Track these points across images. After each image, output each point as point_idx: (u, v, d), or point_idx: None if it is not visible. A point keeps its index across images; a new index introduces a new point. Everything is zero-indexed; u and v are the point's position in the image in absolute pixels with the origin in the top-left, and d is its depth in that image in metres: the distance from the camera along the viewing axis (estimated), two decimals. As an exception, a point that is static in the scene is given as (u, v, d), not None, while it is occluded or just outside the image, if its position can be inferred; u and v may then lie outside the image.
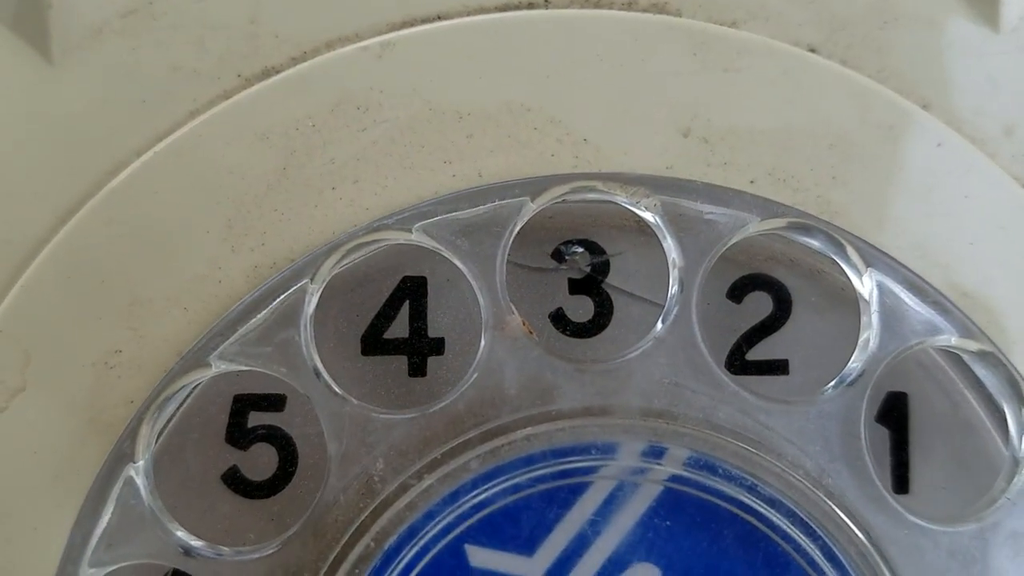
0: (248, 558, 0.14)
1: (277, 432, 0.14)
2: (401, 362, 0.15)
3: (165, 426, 0.15)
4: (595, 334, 0.16)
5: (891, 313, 0.14)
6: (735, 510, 0.13)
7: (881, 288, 0.14)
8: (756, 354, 0.15)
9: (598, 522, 0.13)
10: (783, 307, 0.15)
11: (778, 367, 0.15)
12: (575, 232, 0.15)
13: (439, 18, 0.16)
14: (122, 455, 0.14)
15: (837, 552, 0.13)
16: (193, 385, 0.15)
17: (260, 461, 0.15)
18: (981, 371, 0.15)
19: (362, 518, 0.13)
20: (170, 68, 0.15)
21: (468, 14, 0.16)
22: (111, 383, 0.14)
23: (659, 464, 0.13)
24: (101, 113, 0.16)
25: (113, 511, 0.13)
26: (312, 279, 0.14)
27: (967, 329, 0.15)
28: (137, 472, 0.14)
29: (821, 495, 0.13)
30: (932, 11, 0.18)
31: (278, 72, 0.15)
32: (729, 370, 0.15)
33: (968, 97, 0.16)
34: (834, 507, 0.13)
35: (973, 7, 0.17)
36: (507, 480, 0.13)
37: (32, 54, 0.16)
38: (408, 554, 0.14)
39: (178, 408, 0.15)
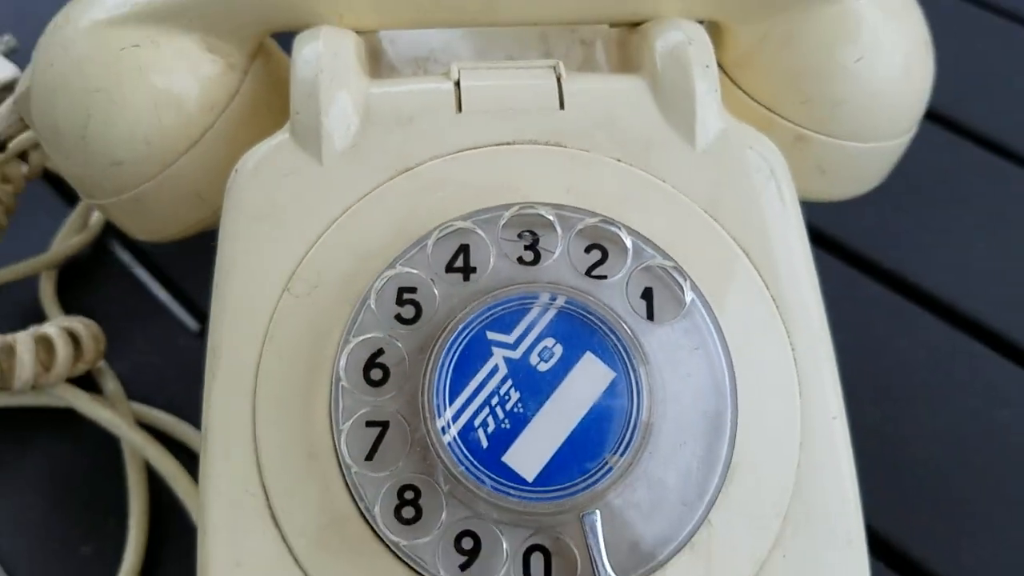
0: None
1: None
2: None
3: None
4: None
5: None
6: (589, 316, 0.27)
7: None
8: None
9: (536, 321, 0.27)
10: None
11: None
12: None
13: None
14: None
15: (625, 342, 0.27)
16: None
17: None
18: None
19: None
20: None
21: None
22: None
23: (556, 300, 0.27)
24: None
25: None
26: None
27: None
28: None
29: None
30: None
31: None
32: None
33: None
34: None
35: (674, 129, 0.29)
36: (502, 304, 0.27)
37: (308, 158, 0.29)
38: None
39: None
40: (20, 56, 0.56)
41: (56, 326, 0.37)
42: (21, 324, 0.37)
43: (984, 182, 0.52)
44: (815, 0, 0.32)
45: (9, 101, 0.38)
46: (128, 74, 0.32)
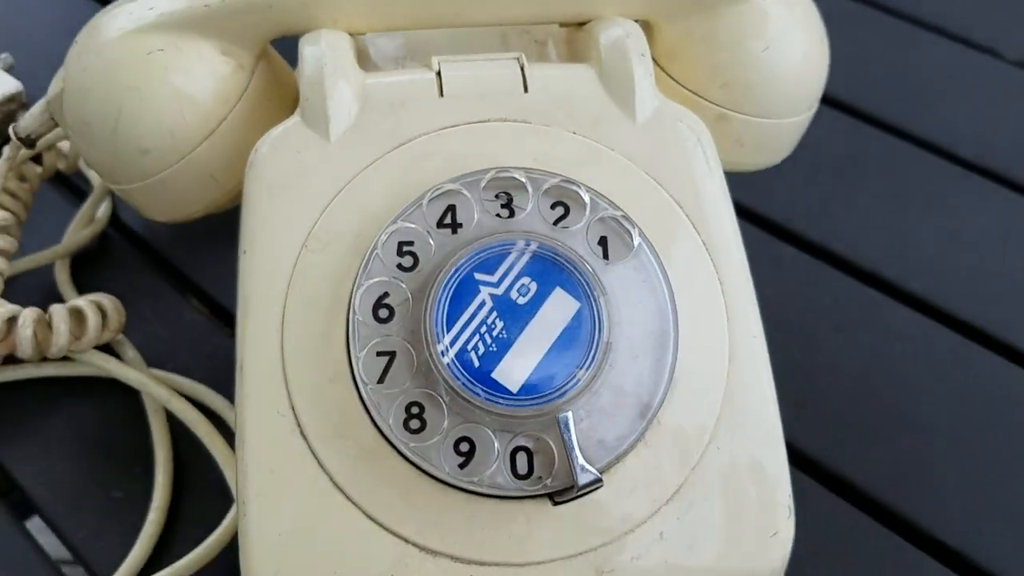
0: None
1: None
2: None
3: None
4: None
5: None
6: (557, 258, 0.32)
7: None
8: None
9: (515, 263, 0.32)
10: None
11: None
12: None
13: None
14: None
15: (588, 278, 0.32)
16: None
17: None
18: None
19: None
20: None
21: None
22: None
23: (530, 246, 0.35)
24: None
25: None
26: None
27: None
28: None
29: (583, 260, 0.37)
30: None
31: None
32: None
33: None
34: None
35: (618, 107, 0.34)
36: (485, 251, 0.32)
37: (317, 137, 0.33)
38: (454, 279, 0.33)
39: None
40: (16, 72, 0.61)
41: (85, 299, 0.43)
42: (40, 306, 0.42)
43: (880, 158, 0.60)
44: (728, 1, 0.37)
45: (42, 102, 0.43)
46: (155, 74, 0.36)
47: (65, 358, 0.41)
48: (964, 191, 0.50)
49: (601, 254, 0.33)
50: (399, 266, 0.33)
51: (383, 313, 0.35)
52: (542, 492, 0.32)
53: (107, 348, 0.47)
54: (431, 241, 0.32)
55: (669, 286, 0.33)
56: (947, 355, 0.43)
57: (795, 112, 0.40)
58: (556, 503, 0.34)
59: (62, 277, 0.46)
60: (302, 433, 0.34)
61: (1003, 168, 0.50)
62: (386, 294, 0.33)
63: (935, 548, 0.36)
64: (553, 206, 0.33)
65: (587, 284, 0.32)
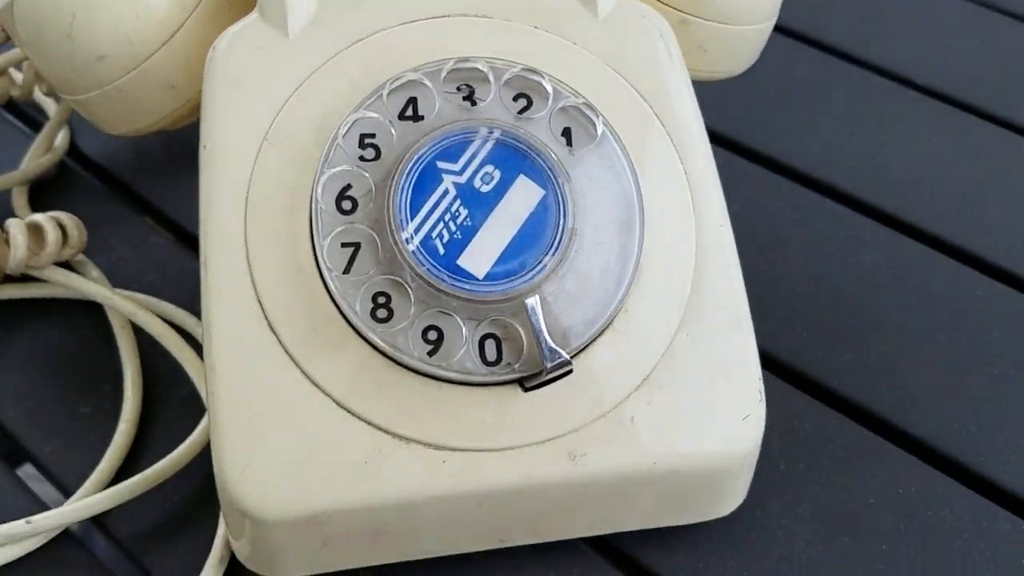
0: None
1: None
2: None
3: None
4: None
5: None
6: (520, 145, 0.33)
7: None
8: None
9: (477, 152, 0.33)
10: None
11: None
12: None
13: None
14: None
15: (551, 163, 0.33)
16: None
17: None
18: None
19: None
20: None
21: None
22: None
23: (493, 133, 0.36)
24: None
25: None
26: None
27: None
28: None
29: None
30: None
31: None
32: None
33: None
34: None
35: (579, 1, 0.35)
36: (447, 138, 0.33)
37: (276, 33, 0.33)
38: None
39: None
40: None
41: (44, 216, 0.42)
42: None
43: (842, 85, 0.60)
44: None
45: (-9, 13, 0.42)
46: (109, -24, 0.36)
47: (27, 277, 0.41)
48: (921, 113, 0.52)
49: (565, 143, 0.32)
50: (361, 158, 0.33)
51: (346, 205, 0.35)
52: (512, 378, 0.32)
53: (70, 268, 0.46)
54: (392, 132, 0.32)
55: (634, 173, 0.33)
56: (909, 262, 0.44)
57: (756, 19, 0.40)
58: (526, 389, 0.34)
59: (19, 202, 0.46)
60: (270, 325, 0.34)
61: (956, 92, 0.52)
62: (349, 186, 0.33)
63: (903, 439, 0.37)
64: (516, 98, 0.33)
65: (551, 171, 0.32)
